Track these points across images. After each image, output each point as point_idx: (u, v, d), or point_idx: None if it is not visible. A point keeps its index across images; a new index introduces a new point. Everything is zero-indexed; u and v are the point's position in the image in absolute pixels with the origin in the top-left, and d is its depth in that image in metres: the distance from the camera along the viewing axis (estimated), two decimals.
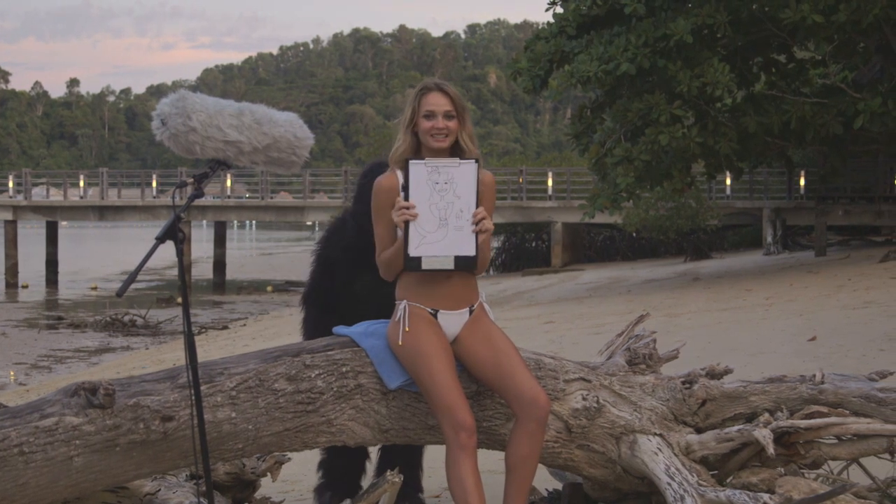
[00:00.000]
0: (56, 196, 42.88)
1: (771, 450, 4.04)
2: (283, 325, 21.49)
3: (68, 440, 3.69)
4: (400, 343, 3.96)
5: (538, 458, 3.99)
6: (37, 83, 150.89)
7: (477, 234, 3.89)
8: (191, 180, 3.81)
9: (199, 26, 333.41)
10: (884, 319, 11.59)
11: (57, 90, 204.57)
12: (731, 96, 20.62)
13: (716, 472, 4.27)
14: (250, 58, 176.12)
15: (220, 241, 40.29)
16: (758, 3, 19.63)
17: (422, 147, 3.98)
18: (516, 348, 4.05)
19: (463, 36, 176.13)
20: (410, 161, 3.88)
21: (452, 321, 4.00)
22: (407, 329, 3.94)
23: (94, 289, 35.58)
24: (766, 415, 4.20)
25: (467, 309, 4.02)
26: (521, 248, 37.82)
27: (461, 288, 4.01)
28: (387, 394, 4.07)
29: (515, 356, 4.00)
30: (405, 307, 3.97)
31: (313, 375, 4.02)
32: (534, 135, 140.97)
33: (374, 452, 5.20)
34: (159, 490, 4.27)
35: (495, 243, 35.69)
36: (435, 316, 3.97)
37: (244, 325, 23.65)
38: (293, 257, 51.24)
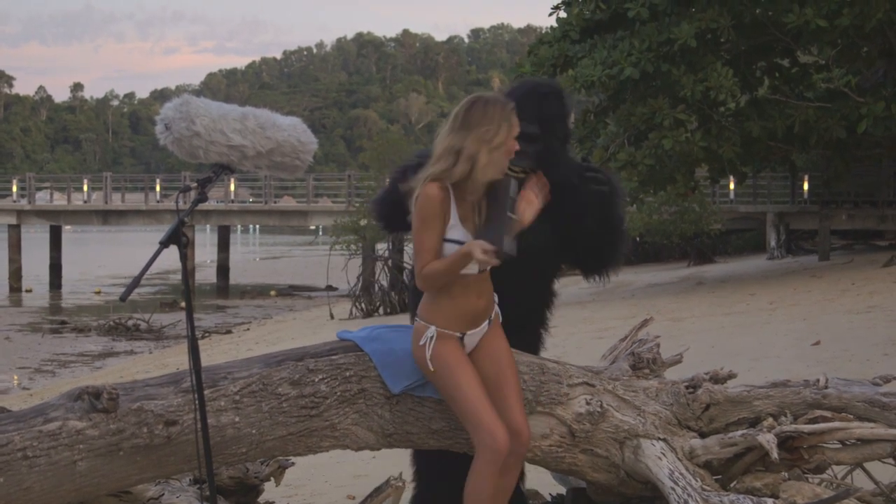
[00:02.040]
0: (60, 200, 42.90)
1: (775, 454, 4.04)
2: (287, 330, 21.50)
3: (72, 444, 3.69)
4: (432, 370, 3.89)
5: (510, 494, 3.98)
6: (41, 87, 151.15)
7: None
8: (194, 185, 3.81)
9: (200, 31, 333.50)
10: (887, 324, 11.58)
11: (60, 94, 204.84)
12: (735, 101, 20.59)
13: (719, 476, 4.26)
14: (254, 62, 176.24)
15: (223, 245, 40.28)
16: (761, 8, 19.63)
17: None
18: (517, 373, 4.05)
19: (466, 40, 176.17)
20: (512, 178, 3.86)
21: (475, 338, 3.97)
22: (430, 356, 3.87)
23: (98, 293, 35.60)
24: (770, 419, 4.20)
25: (487, 322, 4.00)
26: None
27: (486, 305, 3.97)
28: (390, 398, 4.07)
29: (515, 384, 3.99)
30: (434, 334, 3.88)
31: (317, 380, 4.02)
32: None
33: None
34: (163, 494, 4.27)
35: None
36: (462, 338, 3.93)
37: (247, 329, 23.66)
38: (296, 262, 51.27)
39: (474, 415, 3.81)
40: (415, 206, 3.81)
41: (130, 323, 24.60)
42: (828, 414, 4.22)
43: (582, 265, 4.66)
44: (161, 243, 3.63)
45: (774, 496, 4.07)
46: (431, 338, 3.86)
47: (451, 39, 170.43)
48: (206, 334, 22.44)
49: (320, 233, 52.58)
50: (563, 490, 4.81)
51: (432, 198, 3.77)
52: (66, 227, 44.57)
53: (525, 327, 4.47)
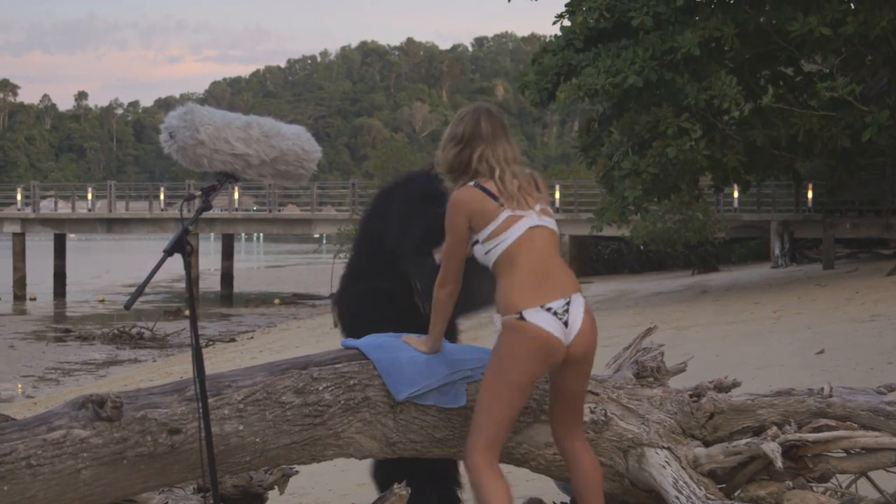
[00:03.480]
0: (64, 209, 42.99)
1: (779, 463, 4.03)
2: (291, 338, 21.50)
3: (76, 453, 3.68)
4: None
5: None
6: (45, 96, 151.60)
7: None
8: (199, 193, 3.81)
9: (203, 39, 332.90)
10: (892, 332, 11.56)
11: (64, 103, 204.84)
12: (739, 109, 20.59)
13: (724, 485, 4.26)
14: (258, 71, 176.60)
15: (227, 253, 40.33)
16: (765, 16, 19.63)
17: None
18: None
19: (470, 49, 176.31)
20: None
21: None
22: None
23: (102, 301, 35.63)
24: (775, 428, 4.19)
25: None
26: None
27: None
28: (394, 406, 4.07)
29: None
30: None
31: (321, 388, 4.02)
32: (541, 147, 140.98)
33: None
34: (166, 503, 4.27)
35: None
36: None
37: (251, 337, 23.66)
38: (301, 270, 51.29)
39: None
40: None
41: (134, 331, 24.61)
42: (832, 423, 4.22)
43: None
44: (165, 252, 3.63)
45: None
46: None
47: (455, 48, 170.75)
48: (210, 343, 22.44)
49: (324, 241, 52.61)
50: (566, 499, 4.80)
51: None
52: (71, 236, 44.66)
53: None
